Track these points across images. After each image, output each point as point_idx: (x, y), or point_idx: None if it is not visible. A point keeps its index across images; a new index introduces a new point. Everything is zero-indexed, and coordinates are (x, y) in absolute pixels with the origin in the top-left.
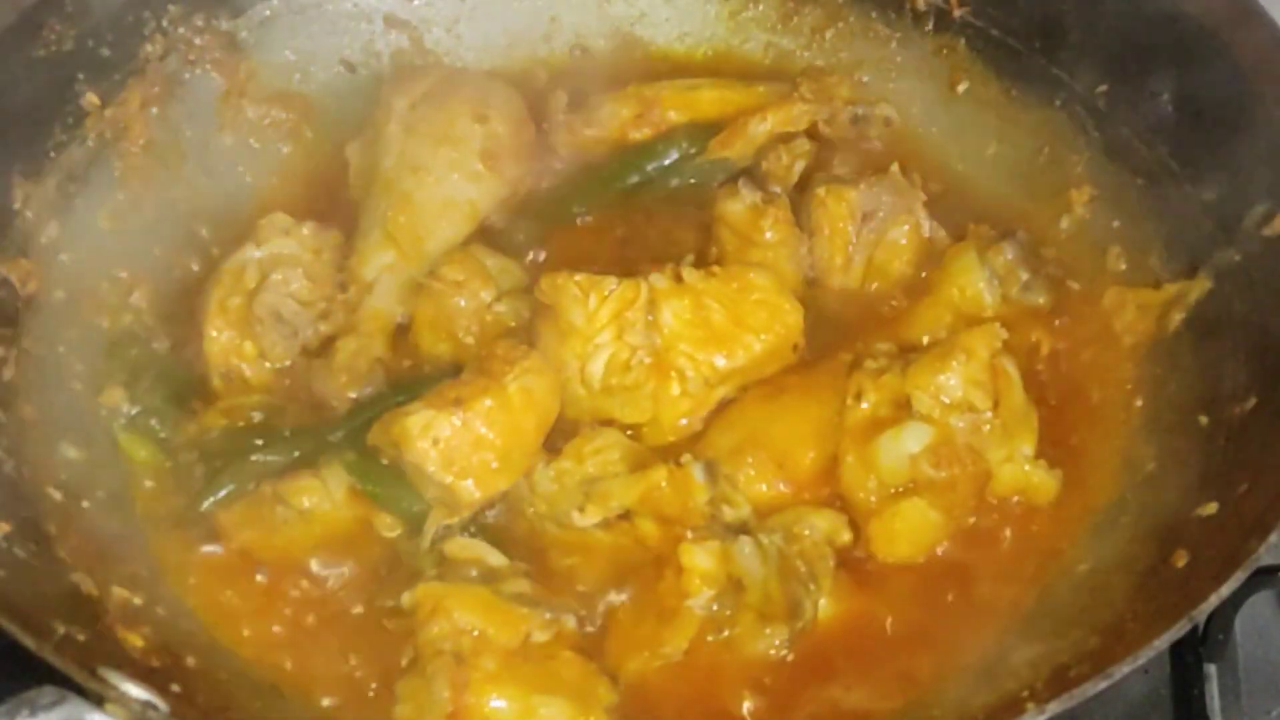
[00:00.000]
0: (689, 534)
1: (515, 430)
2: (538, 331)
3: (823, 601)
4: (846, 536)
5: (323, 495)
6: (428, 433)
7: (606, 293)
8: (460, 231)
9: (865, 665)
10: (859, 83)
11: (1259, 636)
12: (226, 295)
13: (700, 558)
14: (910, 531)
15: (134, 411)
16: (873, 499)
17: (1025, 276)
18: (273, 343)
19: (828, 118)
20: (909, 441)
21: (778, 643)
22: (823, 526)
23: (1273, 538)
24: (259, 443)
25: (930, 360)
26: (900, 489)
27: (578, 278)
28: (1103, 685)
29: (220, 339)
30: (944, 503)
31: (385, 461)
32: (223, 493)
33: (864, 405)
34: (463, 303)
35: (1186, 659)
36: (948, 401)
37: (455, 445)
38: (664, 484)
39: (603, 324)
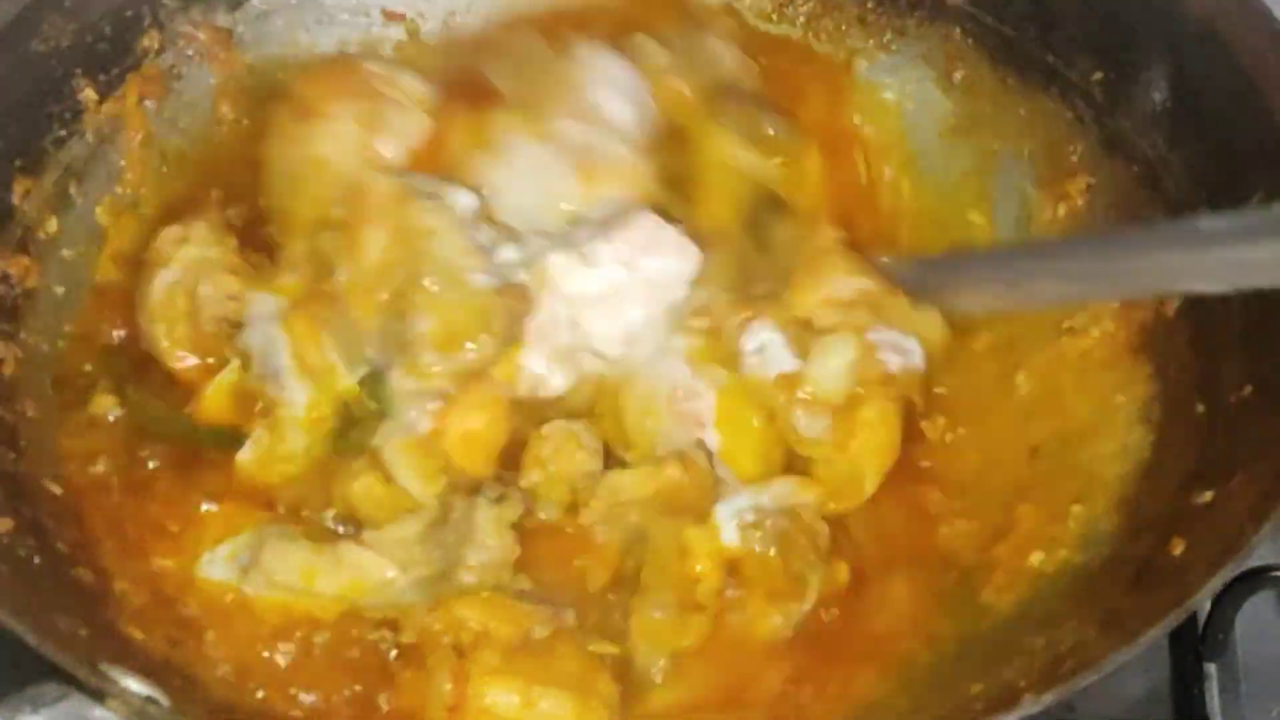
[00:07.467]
0: (693, 521)
1: None
2: None
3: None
4: (834, 505)
5: None
6: None
7: None
8: None
9: (862, 651)
10: None
11: (1259, 636)
12: (170, 327)
13: (706, 543)
14: (880, 437)
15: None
16: (830, 432)
17: None
18: (239, 348)
19: None
20: (835, 355)
21: (786, 623)
22: (811, 500)
23: (1268, 526)
24: None
25: (800, 280)
26: (850, 403)
27: None
28: (1100, 675)
29: (189, 368)
30: (894, 393)
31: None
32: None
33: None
34: None
35: (1186, 658)
36: (843, 301)
37: None
38: (680, 476)
39: None
